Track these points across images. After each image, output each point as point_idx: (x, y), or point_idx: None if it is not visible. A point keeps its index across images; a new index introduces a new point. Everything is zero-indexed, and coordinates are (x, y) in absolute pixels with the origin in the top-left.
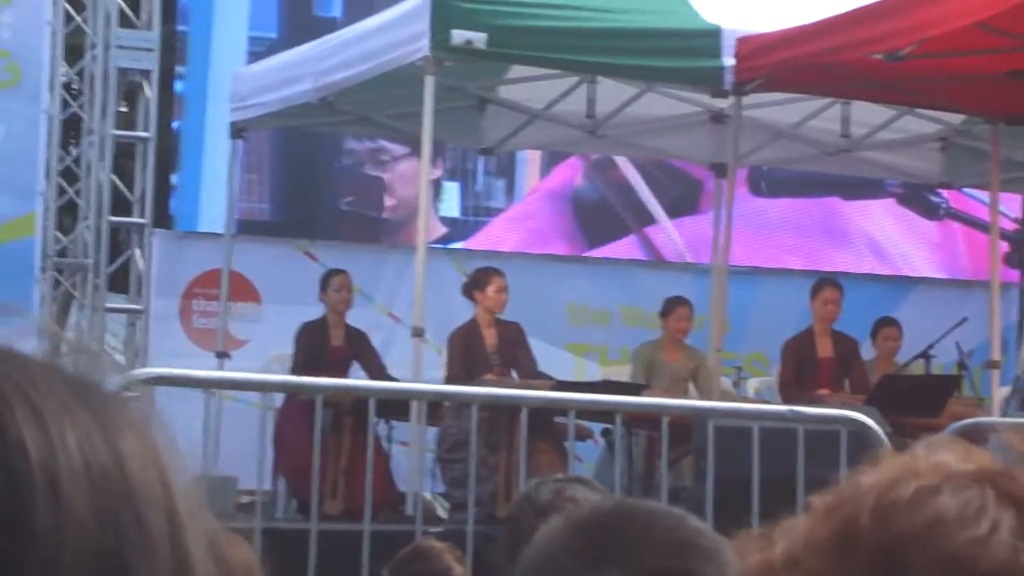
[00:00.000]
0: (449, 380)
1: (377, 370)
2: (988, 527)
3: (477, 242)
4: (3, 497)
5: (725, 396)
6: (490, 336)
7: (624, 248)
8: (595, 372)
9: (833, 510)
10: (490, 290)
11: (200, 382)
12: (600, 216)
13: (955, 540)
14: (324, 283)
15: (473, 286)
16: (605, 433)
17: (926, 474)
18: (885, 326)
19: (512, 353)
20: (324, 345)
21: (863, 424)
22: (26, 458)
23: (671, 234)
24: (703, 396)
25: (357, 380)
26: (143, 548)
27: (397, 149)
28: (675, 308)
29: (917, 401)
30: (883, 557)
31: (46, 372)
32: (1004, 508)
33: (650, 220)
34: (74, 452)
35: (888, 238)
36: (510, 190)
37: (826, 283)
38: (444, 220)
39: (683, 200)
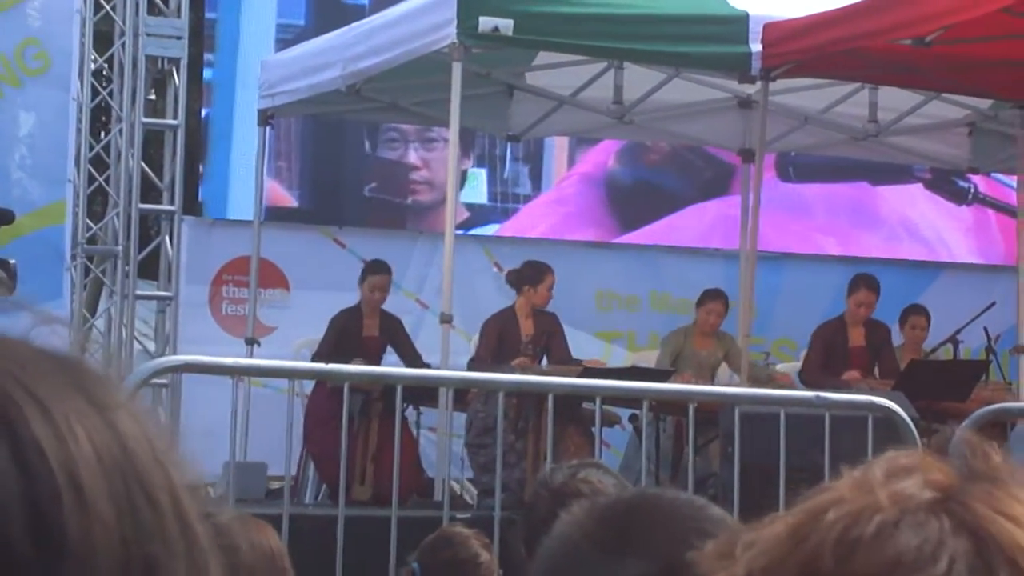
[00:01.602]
0: (473, 364)
1: (410, 355)
2: (944, 567)
3: (507, 228)
4: (28, 504)
5: (760, 376)
6: (527, 327)
7: (656, 232)
8: (623, 358)
9: (796, 537)
10: (542, 288)
11: (229, 369)
12: (633, 200)
13: None
14: (361, 277)
15: (526, 281)
16: (633, 419)
17: (887, 506)
18: (913, 314)
19: (546, 343)
20: (357, 334)
21: (889, 410)
22: (44, 459)
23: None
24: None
25: (385, 367)
26: (160, 534)
27: (435, 133)
28: (707, 301)
29: (945, 386)
30: None
31: (36, 355)
32: (960, 540)
33: (677, 205)
34: (85, 444)
35: (921, 221)
36: (538, 176)
37: (862, 283)
38: (469, 206)
39: (714, 184)
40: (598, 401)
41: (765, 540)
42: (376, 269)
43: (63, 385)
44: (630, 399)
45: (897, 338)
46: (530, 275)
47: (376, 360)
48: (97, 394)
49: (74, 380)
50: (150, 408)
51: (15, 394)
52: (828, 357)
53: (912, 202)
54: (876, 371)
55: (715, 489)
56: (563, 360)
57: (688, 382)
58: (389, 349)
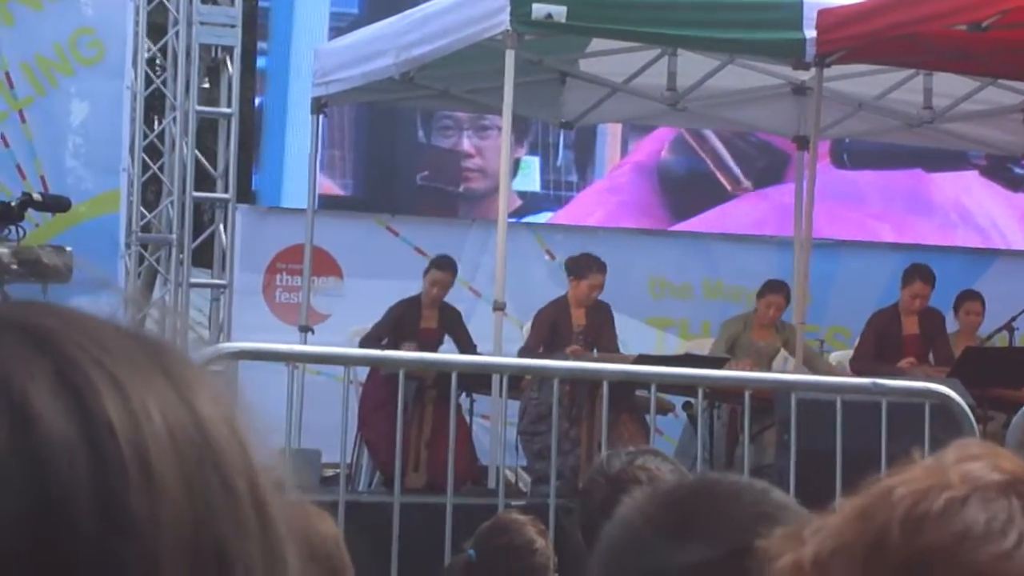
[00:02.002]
0: (523, 352)
1: (467, 347)
2: (1014, 541)
3: (560, 216)
4: (95, 481)
5: (820, 367)
6: (579, 316)
7: (709, 220)
8: (676, 346)
9: (864, 516)
10: (584, 284)
11: (284, 356)
12: (687, 188)
13: (981, 554)
14: (427, 269)
15: (571, 272)
16: (686, 407)
17: (956, 484)
18: (968, 300)
19: (597, 333)
20: (415, 325)
21: (946, 397)
22: (113, 435)
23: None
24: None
25: (439, 354)
26: (233, 516)
27: (488, 121)
28: (767, 293)
29: (1000, 373)
30: (910, 570)
31: (113, 331)
32: None
33: (735, 192)
34: (158, 422)
35: (976, 208)
36: (590, 164)
37: (916, 275)
38: (521, 194)
39: (768, 172)
40: (653, 388)
41: (833, 522)
42: (439, 264)
43: (142, 364)
44: (685, 386)
45: (952, 324)
46: (576, 268)
47: (433, 351)
48: (177, 374)
49: (153, 359)
50: (234, 389)
51: (91, 372)
52: (881, 346)
53: (967, 189)
54: (931, 358)
55: (771, 477)
56: (608, 350)
57: (745, 370)
58: (446, 339)
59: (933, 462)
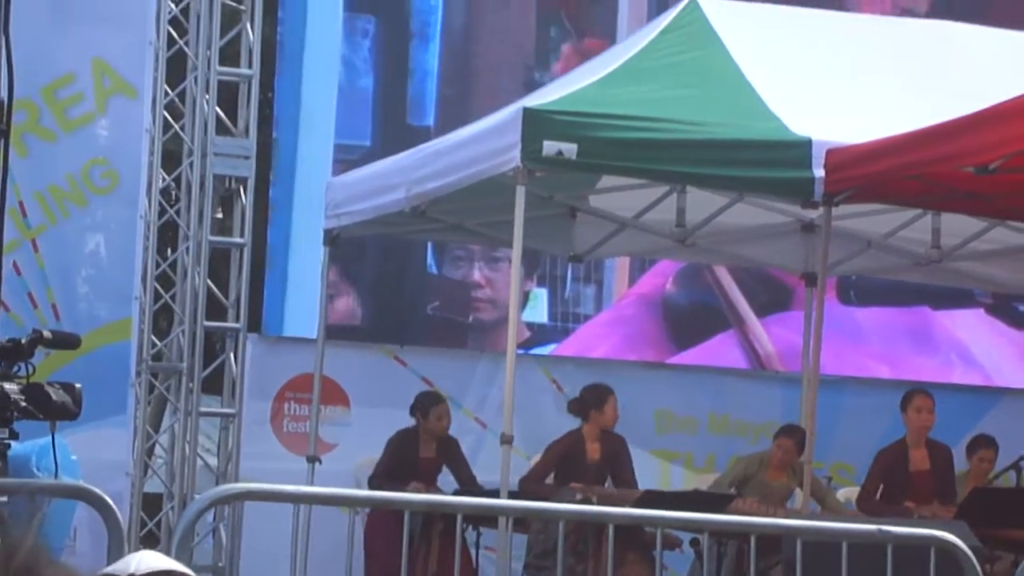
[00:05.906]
0: (526, 480)
1: (465, 477)
2: None
3: (566, 348)
4: None
5: (835, 507)
6: (593, 451)
7: (714, 353)
8: (681, 477)
9: None
10: (608, 408)
11: (290, 497)
12: (690, 320)
13: None
14: (423, 408)
15: (590, 406)
16: (694, 543)
17: None
18: (984, 447)
19: (613, 467)
20: (414, 456)
21: (951, 544)
22: None
23: (761, 338)
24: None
25: (445, 496)
26: None
27: (500, 252)
28: (781, 436)
29: (1007, 514)
30: None
31: None
32: None
33: (740, 322)
34: None
35: (979, 347)
36: (599, 296)
37: (917, 392)
38: (530, 325)
39: (774, 303)
40: (659, 531)
41: None
42: (436, 400)
43: None
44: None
45: (961, 463)
46: (593, 399)
47: (432, 480)
48: None
49: None
50: None
51: None
52: (888, 484)
53: (972, 328)
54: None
55: None
56: (627, 482)
57: (752, 507)
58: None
59: None
